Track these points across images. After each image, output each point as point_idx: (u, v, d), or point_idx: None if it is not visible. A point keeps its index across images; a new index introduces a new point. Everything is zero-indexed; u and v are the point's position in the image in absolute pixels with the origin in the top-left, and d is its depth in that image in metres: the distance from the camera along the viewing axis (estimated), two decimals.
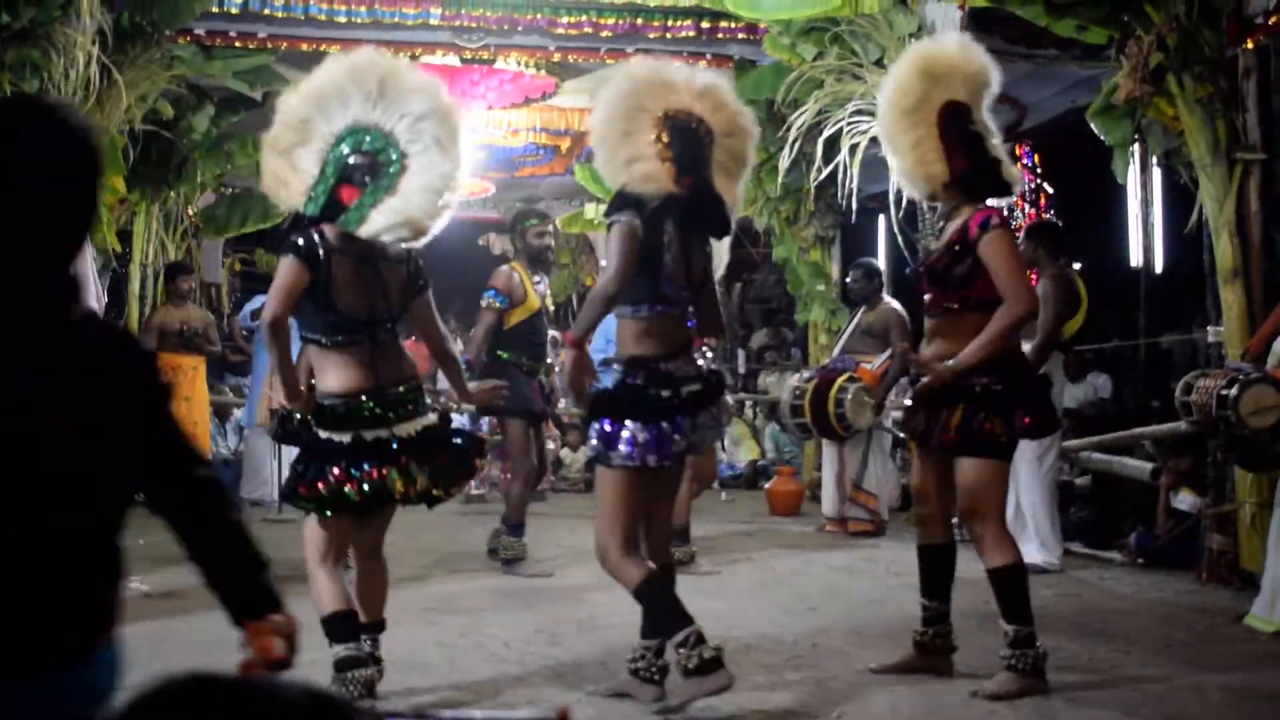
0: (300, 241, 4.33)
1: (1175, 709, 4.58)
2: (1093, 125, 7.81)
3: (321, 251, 4.33)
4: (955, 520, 5.16)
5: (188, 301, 10.49)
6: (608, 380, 4.58)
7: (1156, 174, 10.15)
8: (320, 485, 4.34)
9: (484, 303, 7.20)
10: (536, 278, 7.33)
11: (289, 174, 4.41)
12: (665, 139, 4.41)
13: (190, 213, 11.87)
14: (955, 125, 4.81)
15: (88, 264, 5.61)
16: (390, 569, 4.82)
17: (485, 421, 9.74)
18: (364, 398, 4.36)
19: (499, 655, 5.35)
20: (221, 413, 11.37)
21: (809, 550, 8.53)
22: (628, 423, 4.39)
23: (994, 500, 4.83)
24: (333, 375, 4.40)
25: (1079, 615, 6.29)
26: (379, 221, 4.30)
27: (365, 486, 4.33)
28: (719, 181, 4.56)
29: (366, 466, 4.33)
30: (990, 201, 4.98)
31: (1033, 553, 7.35)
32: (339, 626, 4.41)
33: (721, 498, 11.30)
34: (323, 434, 4.39)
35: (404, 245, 4.44)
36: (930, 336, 4.98)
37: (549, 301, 7.49)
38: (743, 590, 6.99)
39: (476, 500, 11.17)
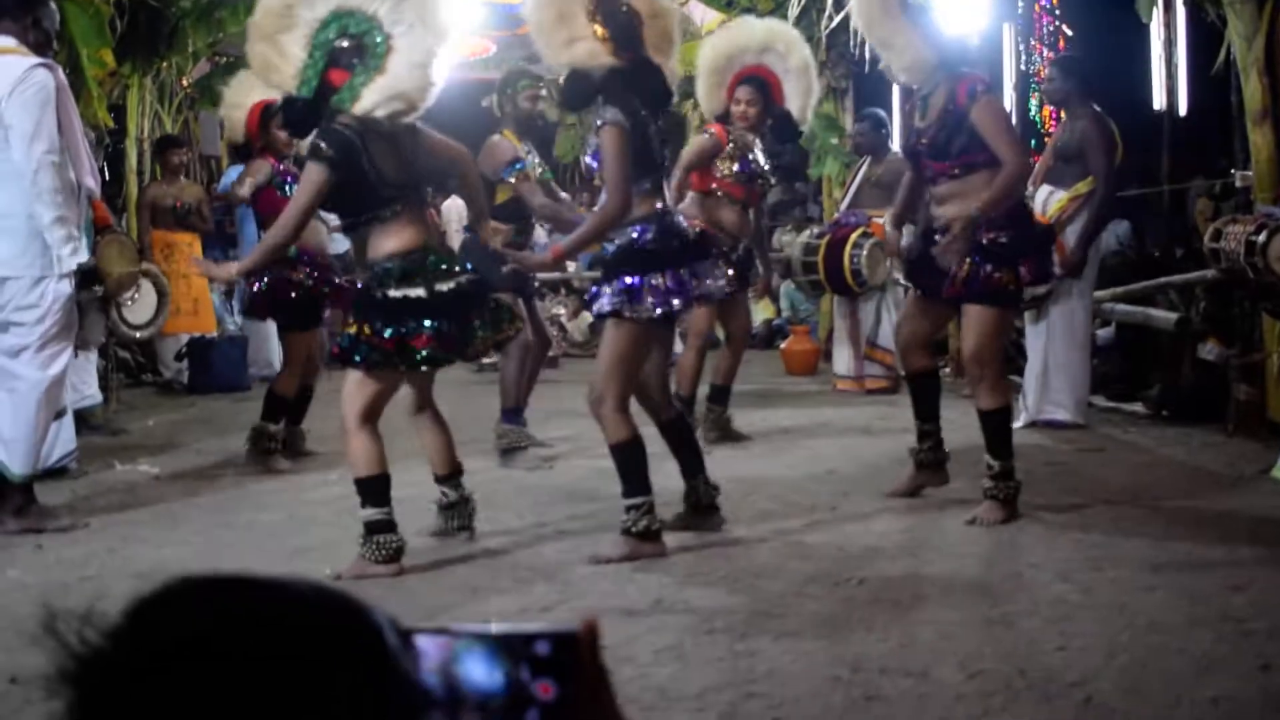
0: (330, 148, 4.45)
1: (1202, 564, 4.47)
2: None
3: (354, 138, 4.48)
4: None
5: (180, 176, 10.29)
6: (613, 240, 4.72)
7: (1181, 12, 9.79)
8: (404, 341, 4.50)
9: (513, 179, 6.53)
10: (525, 146, 6.76)
11: (277, 59, 4.53)
12: (599, 20, 4.62)
13: (184, 84, 11.58)
14: (915, 11, 5.23)
15: (80, 140, 5.41)
16: (389, 440, 4.78)
17: None
18: (426, 253, 4.59)
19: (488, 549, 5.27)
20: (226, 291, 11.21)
21: (826, 409, 8.43)
22: (648, 276, 4.62)
23: (996, 347, 5.25)
24: (392, 239, 4.58)
25: (1102, 471, 6.18)
26: (371, 99, 4.46)
27: (428, 347, 4.52)
28: (657, 58, 4.78)
29: (440, 322, 4.53)
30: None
31: (1059, 411, 7.24)
32: (374, 490, 4.59)
33: None
34: (394, 293, 4.53)
35: (394, 119, 4.56)
36: (940, 202, 5.23)
37: (538, 171, 6.95)
38: (760, 453, 6.90)
39: (489, 369, 11.05)
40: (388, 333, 4.51)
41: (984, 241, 5.04)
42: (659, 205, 4.75)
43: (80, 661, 0.79)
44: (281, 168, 6.86)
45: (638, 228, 4.67)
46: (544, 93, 6.92)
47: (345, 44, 4.47)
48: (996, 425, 5.20)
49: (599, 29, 4.62)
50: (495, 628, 0.88)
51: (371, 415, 4.65)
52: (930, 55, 5.15)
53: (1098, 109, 7.16)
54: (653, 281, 4.62)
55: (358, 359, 4.56)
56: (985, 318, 5.12)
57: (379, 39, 4.47)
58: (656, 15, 4.79)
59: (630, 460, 4.73)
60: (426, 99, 4.58)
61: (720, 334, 7.53)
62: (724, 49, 6.95)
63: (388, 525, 4.58)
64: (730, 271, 6.58)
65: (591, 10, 4.62)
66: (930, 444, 5.54)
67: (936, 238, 5.20)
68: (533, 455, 6.71)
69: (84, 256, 5.29)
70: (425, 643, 0.86)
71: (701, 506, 5.06)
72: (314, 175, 4.49)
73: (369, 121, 4.51)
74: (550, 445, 7.01)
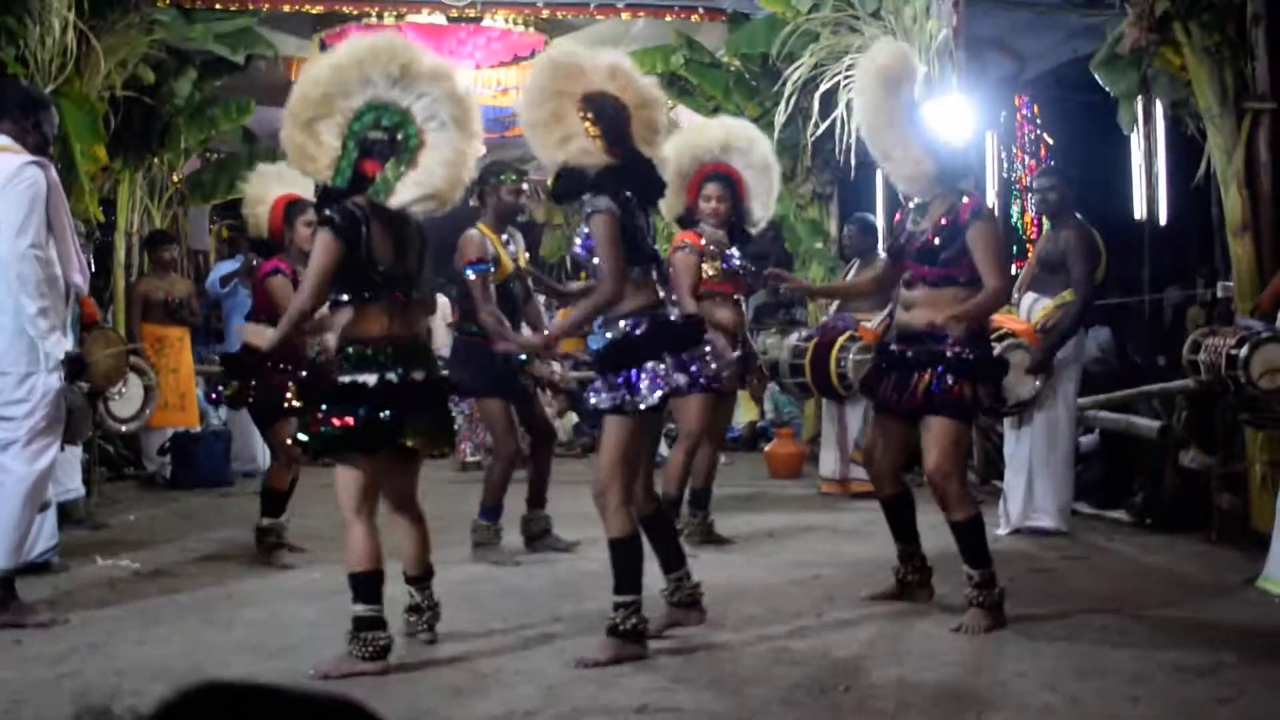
0: (338, 217, 4.55)
1: (1188, 674, 4.45)
2: (1097, 75, 7.64)
3: (360, 215, 4.57)
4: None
5: (170, 271, 10.34)
6: (605, 336, 4.76)
7: (1160, 124, 9.97)
8: (347, 420, 4.55)
9: (471, 277, 6.49)
10: (505, 237, 6.72)
11: (313, 147, 4.61)
12: (590, 117, 4.70)
13: (175, 179, 11.68)
14: (919, 124, 5.35)
15: (70, 238, 5.45)
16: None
17: (466, 403, 9.45)
18: (389, 345, 4.62)
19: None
20: (212, 382, 11.22)
21: (810, 513, 8.42)
22: (645, 366, 4.65)
23: (958, 458, 5.32)
24: (363, 324, 4.63)
25: (1087, 578, 6.17)
26: (406, 194, 4.58)
27: (383, 420, 4.57)
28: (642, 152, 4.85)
29: (387, 411, 4.57)
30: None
31: (1042, 518, 7.25)
32: (366, 585, 4.59)
33: (721, 461, 11.15)
34: (346, 378, 4.60)
35: (424, 215, 4.72)
36: (907, 307, 5.34)
37: (523, 261, 6.95)
38: (744, 556, 6.87)
39: (472, 467, 11.04)
40: (352, 415, 4.55)
41: (948, 354, 5.16)
42: (651, 297, 4.78)
43: None
44: (291, 277, 6.74)
45: (630, 321, 4.71)
46: (526, 188, 6.93)
47: (379, 135, 4.58)
48: (970, 535, 5.23)
49: (590, 126, 4.69)
50: None
51: (366, 505, 4.64)
52: (931, 168, 5.24)
53: (1081, 219, 7.26)
54: (648, 369, 4.64)
55: (316, 440, 4.62)
56: (946, 430, 5.19)
57: (412, 133, 4.58)
58: (644, 105, 4.85)
59: (627, 557, 4.73)
60: (456, 196, 4.73)
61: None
62: (686, 150, 6.95)
63: (377, 623, 4.56)
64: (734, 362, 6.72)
65: (583, 107, 4.69)
66: (913, 565, 5.62)
67: (892, 348, 5.35)
68: (505, 551, 6.76)
69: (67, 346, 5.30)
70: None
71: (684, 602, 5.04)
72: (325, 241, 4.56)
73: (379, 209, 4.60)
74: (575, 545, 6.97)
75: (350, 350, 4.63)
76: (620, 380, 4.65)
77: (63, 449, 5.85)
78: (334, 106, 4.58)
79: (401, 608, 4.93)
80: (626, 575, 4.72)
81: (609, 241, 4.65)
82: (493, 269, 6.56)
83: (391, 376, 4.58)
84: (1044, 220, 8.40)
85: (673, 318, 4.84)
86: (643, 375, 4.64)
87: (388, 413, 4.56)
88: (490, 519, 6.78)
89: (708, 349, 4.85)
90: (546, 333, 5.01)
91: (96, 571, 6.50)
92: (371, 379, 4.56)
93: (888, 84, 5.29)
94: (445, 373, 4.95)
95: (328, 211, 4.58)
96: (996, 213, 5.67)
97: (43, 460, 5.32)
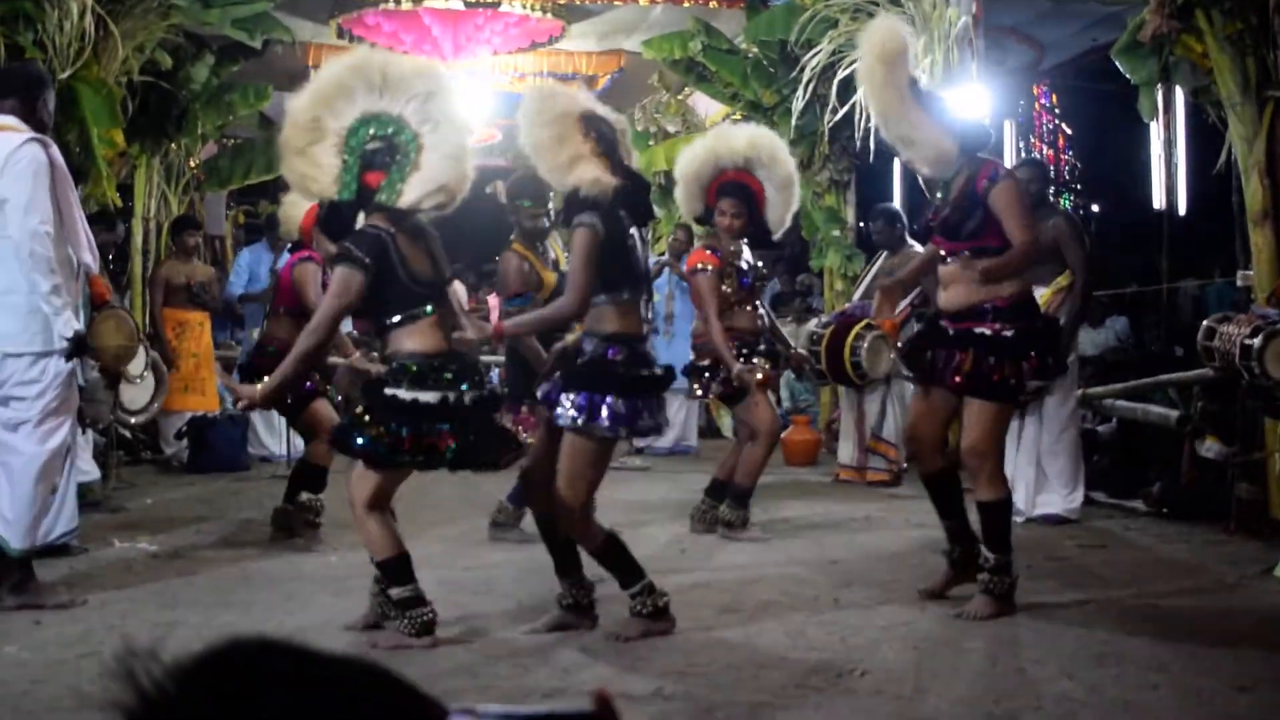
0: (357, 250, 4.53)
1: (1206, 663, 4.44)
2: (1118, 64, 7.59)
3: (385, 235, 4.58)
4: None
5: (193, 257, 10.38)
6: (584, 350, 4.76)
7: (1181, 113, 9.92)
8: (422, 440, 4.54)
9: (510, 309, 6.58)
10: (541, 248, 6.88)
11: (313, 170, 4.64)
12: (592, 138, 4.72)
13: (192, 165, 11.70)
14: (930, 100, 5.31)
15: (77, 216, 5.43)
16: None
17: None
18: (444, 360, 4.62)
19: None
20: (229, 367, 11.25)
21: (827, 501, 8.41)
22: (609, 397, 4.63)
23: (996, 440, 5.26)
24: (415, 340, 4.62)
25: (1104, 567, 6.16)
26: (414, 192, 4.61)
27: (453, 444, 4.57)
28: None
29: (447, 427, 4.56)
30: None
31: (1054, 502, 7.25)
32: (397, 569, 4.66)
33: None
34: (404, 394, 4.55)
35: (436, 212, 4.73)
36: (944, 285, 5.28)
37: (562, 263, 7.04)
38: (761, 543, 6.86)
39: None
40: (404, 431, 4.54)
41: (989, 333, 5.10)
42: (635, 327, 4.77)
43: (147, 703, 0.80)
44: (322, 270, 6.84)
45: (613, 347, 4.70)
46: (548, 208, 7.00)
47: (377, 146, 4.60)
48: (995, 517, 5.17)
49: (593, 145, 4.70)
50: (519, 709, 0.90)
51: (379, 503, 4.68)
52: (951, 145, 5.17)
53: (1064, 209, 7.28)
54: (609, 402, 4.62)
55: (357, 445, 4.60)
56: (987, 412, 5.13)
57: (409, 137, 4.60)
58: (625, 131, 4.94)
59: (613, 556, 4.82)
60: (464, 189, 4.76)
61: (738, 430, 7.53)
62: (705, 157, 6.93)
63: (418, 600, 4.65)
64: (767, 364, 6.99)
65: (584, 129, 4.71)
66: (963, 544, 5.44)
67: (942, 324, 5.25)
68: (517, 533, 6.78)
69: (77, 326, 5.29)
70: None
71: (578, 606, 4.97)
72: (345, 279, 4.52)
73: (401, 222, 4.63)
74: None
75: (410, 365, 4.59)
76: (583, 401, 4.64)
77: (84, 432, 5.87)
78: (325, 129, 4.60)
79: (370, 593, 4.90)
80: (624, 569, 4.81)
81: (582, 256, 4.63)
82: (533, 295, 6.69)
83: (451, 396, 4.58)
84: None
85: (651, 357, 4.84)
86: (603, 406, 4.62)
87: (451, 440, 4.56)
88: (516, 502, 6.81)
89: (657, 403, 4.83)
90: (494, 324, 4.96)
91: (114, 554, 6.52)
92: (432, 398, 4.55)
93: (890, 66, 5.20)
94: (493, 385, 4.92)
95: (350, 245, 4.55)
96: None
97: (53, 440, 5.32)
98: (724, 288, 6.93)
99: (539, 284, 6.75)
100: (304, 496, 6.76)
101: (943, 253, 5.28)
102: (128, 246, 10.83)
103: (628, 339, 4.73)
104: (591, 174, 4.65)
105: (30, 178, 5.15)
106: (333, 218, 4.73)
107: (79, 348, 5.36)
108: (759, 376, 6.91)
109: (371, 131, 4.60)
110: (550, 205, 7.06)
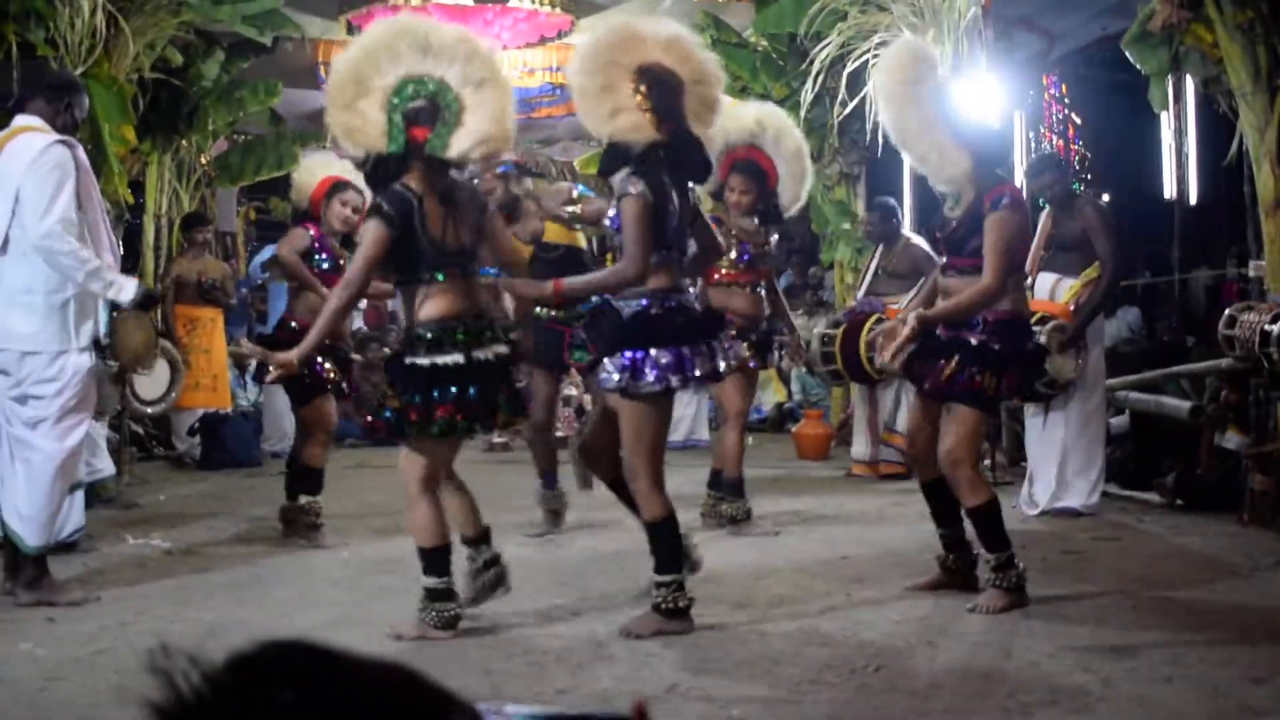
0: (387, 206, 4.63)
1: (1221, 655, 4.43)
2: (1128, 53, 7.57)
3: (412, 197, 4.67)
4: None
5: (205, 252, 10.39)
6: (625, 310, 4.73)
7: (1191, 102, 9.89)
8: (440, 411, 4.62)
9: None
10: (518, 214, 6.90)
11: (360, 122, 4.70)
12: (643, 90, 4.68)
13: (203, 161, 11.72)
14: (951, 109, 5.23)
15: (100, 218, 5.47)
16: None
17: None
18: (460, 321, 4.70)
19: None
20: (241, 363, 11.27)
21: (839, 495, 8.41)
22: (651, 350, 4.64)
23: (971, 446, 5.27)
24: (431, 305, 4.71)
25: (1118, 560, 6.14)
26: (462, 143, 4.69)
27: (462, 408, 4.66)
28: (693, 129, 4.82)
29: (473, 390, 4.66)
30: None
31: (1074, 497, 7.23)
32: (435, 560, 4.74)
33: (748, 442, 11.15)
34: (423, 360, 4.64)
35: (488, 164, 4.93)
36: (945, 295, 5.30)
37: (583, 211, 7.04)
38: (773, 538, 6.86)
39: (499, 448, 11.06)
40: (416, 399, 4.63)
41: (974, 342, 5.13)
42: (669, 282, 4.77)
43: (184, 705, 0.81)
44: (318, 241, 6.96)
45: (644, 300, 4.71)
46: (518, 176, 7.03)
47: (421, 104, 4.68)
48: (984, 520, 5.18)
49: (642, 99, 4.67)
50: (551, 709, 0.90)
51: (431, 482, 4.78)
52: (967, 163, 5.13)
53: (1094, 198, 7.25)
54: (650, 356, 4.63)
55: (384, 419, 4.70)
56: (964, 417, 5.16)
57: (450, 99, 4.69)
58: (700, 81, 4.82)
59: (664, 537, 4.76)
60: (508, 145, 4.87)
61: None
62: (717, 132, 6.90)
63: (449, 594, 4.74)
64: (747, 350, 6.67)
65: (635, 79, 4.67)
66: (957, 553, 5.46)
67: (937, 331, 5.26)
68: (533, 525, 6.92)
69: (133, 292, 5.34)
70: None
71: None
72: (374, 231, 4.62)
73: (435, 184, 4.72)
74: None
75: (425, 333, 4.67)
76: (625, 362, 4.65)
77: (96, 421, 5.89)
78: (370, 85, 4.67)
79: (461, 573, 4.95)
80: (665, 555, 4.75)
81: (637, 224, 4.63)
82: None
83: (478, 355, 4.68)
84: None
85: (690, 303, 4.84)
86: (648, 361, 4.63)
87: (474, 391, 4.65)
88: (549, 485, 6.97)
89: (718, 340, 4.82)
90: (554, 283, 4.84)
91: (127, 550, 6.55)
92: (458, 358, 4.64)
93: (909, 85, 5.18)
94: (509, 341, 4.95)
95: (380, 201, 4.66)
96: (1024, 191, 5.52)
97: (71, 438, 5.34)
98: (721, 263, 6.86)
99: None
100: (302, 500, 6.77)
101: (945, 263, 5.34)
102: (139, 243, 10.86)
103: (664, 292, 4.73)
104: (628, 124, 4.66)
105: (55, 182, 5.18)
106: (379, 169, 4.77)
107: (149, 302, 5.50)
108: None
109: (416, 92, 4.68)
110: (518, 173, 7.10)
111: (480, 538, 5.03)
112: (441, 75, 4.70)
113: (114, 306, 6.03)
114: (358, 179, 6.45)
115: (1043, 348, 5.83)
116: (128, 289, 5.34)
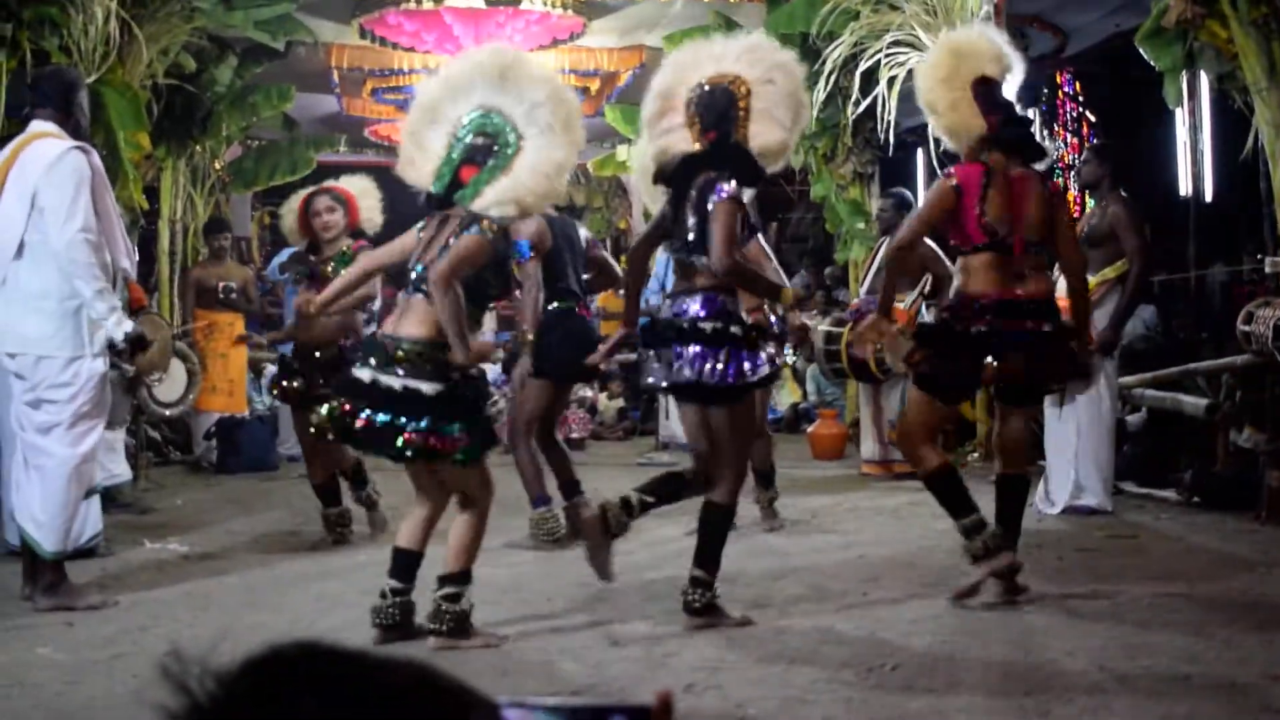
0: (496, 225, 4.61)
1: (1239, 653, 4.41)
2: (1142, 50, 7.55)
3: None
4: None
5: (225, 258, 10.43)
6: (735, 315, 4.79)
7: (1206, 99, 9.86)
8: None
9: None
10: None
11: (418, 154, 4.77)
12: (693, 108, 4.79)
13: (217, 166, 11.75)
14: (987, 91, 5.31)
15: (116, 223, 5.49)
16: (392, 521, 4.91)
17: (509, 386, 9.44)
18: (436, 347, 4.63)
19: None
20: (257, 368, 11.31)
21: (853, 494, 8.40)
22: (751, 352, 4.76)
23: (924, 422, 5.33)
24: (414, 323, 4.69)
25: (1134, 558, 6.12)
26: (489, 197, 4.63)
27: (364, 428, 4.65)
28: (759, 127, 4.78)
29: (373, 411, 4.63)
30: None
31: (1089, 496, 7.21)
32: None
33: None
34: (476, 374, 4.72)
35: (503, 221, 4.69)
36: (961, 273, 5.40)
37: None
38: (788, 538, 6.86)
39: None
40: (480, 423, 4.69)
41: (972, 332, 5.21)
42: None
43: (199, 710, 0.81)
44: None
45: (736, 315, 4.83)
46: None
47: (480, 141, 4.68)
48: (943, 488, 5.25)
49: (688, 117, 4.80)
50: (572, 701, 0.91)
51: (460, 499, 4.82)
52: (978, 124, 5.26)
53: (1124, 195, 7.21)
54: (756, 357, 4.74)
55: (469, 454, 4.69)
56: (912, 395, 5.47)
57: (510, 140, 4.66)
58: (771, 79, 4.83)
59: (717, 535, 4.92)
60: (541, 206, 4.95)
61: None
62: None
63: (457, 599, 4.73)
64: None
65: (687, 103, 4.81)
66: (981, 535, 5.13)
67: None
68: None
69: (129, 327, 5.35)
70: (511, 714, 0.89)
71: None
72: (476, 244, 4.56)
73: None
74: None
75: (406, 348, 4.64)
76: (736, 366, 4.71)
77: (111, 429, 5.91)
78: (443, 115, 4.73)
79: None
80: (710, 550, 4.89)
81: (725, 225, 4.68)
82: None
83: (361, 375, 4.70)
84: (1085, 198, 8.36)
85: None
86: (758, 358, 4.73)
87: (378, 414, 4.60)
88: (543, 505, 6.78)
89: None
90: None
91: (144, 555, 6.57)
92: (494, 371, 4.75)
93: (954, 52, 5.35)
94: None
95: (488, 219, 4.60)
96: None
97: (85, 444, 5.36)
98: None
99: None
100: (333, 511, 6.84)
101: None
102: (154, 249, 10.90)
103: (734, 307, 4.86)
104: (664, 144, 4.84)
105: (73, 187, 5.20)
106: (427, 204, 4.80)
107: (139, 345, 5.45)
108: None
109: (481, 127, 4.67)
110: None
111: (414, 562, 4.85)
112: (513, 112, 4.68)
113: (132, 312, 6.07)
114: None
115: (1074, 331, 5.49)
116: (125, 325, 5.33)
